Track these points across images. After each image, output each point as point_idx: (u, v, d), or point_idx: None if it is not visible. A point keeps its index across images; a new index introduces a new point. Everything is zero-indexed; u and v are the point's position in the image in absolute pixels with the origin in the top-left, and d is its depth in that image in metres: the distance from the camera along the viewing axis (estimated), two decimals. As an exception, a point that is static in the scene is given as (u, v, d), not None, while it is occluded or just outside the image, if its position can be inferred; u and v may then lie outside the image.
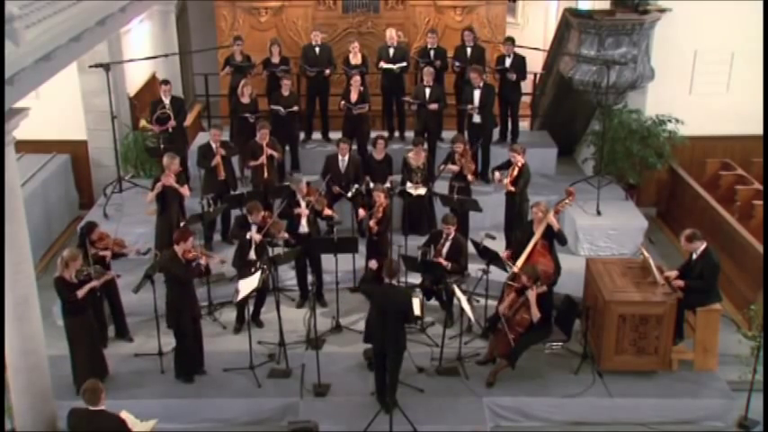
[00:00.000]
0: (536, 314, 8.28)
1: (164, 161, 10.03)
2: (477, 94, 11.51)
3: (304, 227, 9.87)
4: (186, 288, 8.46)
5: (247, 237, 9.30)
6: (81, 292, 8.05)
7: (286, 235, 9.65)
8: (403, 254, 9.60)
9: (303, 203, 9.83)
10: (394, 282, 8.13)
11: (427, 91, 11.71)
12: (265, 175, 10.78)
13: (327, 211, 10.06)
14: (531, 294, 8.29)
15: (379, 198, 9.87)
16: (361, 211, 10.21)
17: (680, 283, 8.57)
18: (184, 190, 10.16)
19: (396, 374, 8.03)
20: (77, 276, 8.09)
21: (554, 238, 9.26)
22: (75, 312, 8.16)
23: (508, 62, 12.05)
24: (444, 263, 9.35)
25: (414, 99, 11.82)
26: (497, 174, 10.51)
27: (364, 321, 8.35)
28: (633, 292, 8.58)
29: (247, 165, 11.12)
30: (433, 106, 11.67)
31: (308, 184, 10.09)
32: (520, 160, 10.24)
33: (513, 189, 10.27)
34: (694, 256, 8.61)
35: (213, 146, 10.71)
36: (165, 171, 9.98)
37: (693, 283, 8.52)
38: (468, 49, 12.26)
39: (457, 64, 12.24)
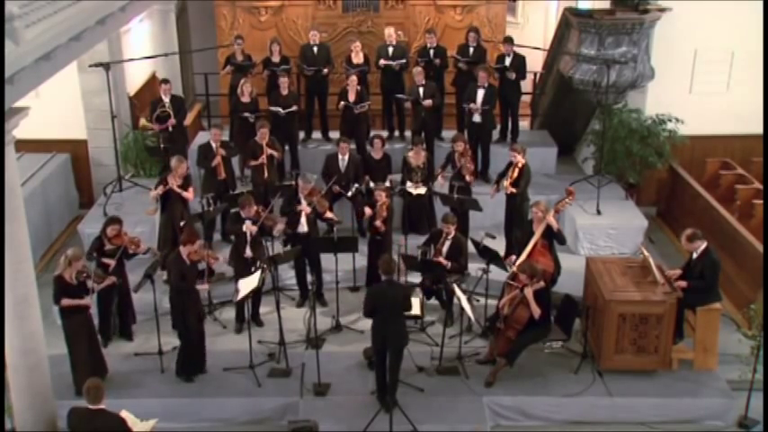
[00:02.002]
0: (536, 310, 8.28)
1: (171, 163, 9.97)
2: (480, 93, 11.51)
3: (303, 226, 9.85)
4: (191, 290, 8.44)
5: (243, 228, 9.26)
6: (66, 302, 8.06)
7: (282, 226, 9.63)
8: (403, 253, 9.60)
9: (304, 202, 9.81)
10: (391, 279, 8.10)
11: (421, 90, 11.70)
12: (265, 175, 10.78)
13: (329, 214, 10.01)
14: (528, 291, 8.28)
15: (381, 197, 9.85)
16: (368, 210, 10.13)
17: (682, 284, 8.57)
18: (188, 195, 10.07)
19: (396, 373, 8.03)
20: (77, 277, 8.09)
21: (553, 237, 9.26)
22: (74, 312, 8.15)
23: (508, 61, 12.06)
24: (444, 262, 9.35)
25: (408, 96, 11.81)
26: (497, 185, 10.51)
27: (363, 321, 8.33)
28: (633, 291, 8.57)
29: (247, 164, 11.12)
30: (428, 102, 11.65)
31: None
32: (520, 160, 10.23)
33: (513, 190, 10.28)
34: (695, 256, 8.61)
35: (213, 146, 10.71)
36: (171, 172, 9.95)
37: (695, 284, 8.52)
38: (471, 49, 12.27)
39: (462, 60, 12.21)
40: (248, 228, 9.24)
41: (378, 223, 9.83)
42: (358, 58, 12.30)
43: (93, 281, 8.18)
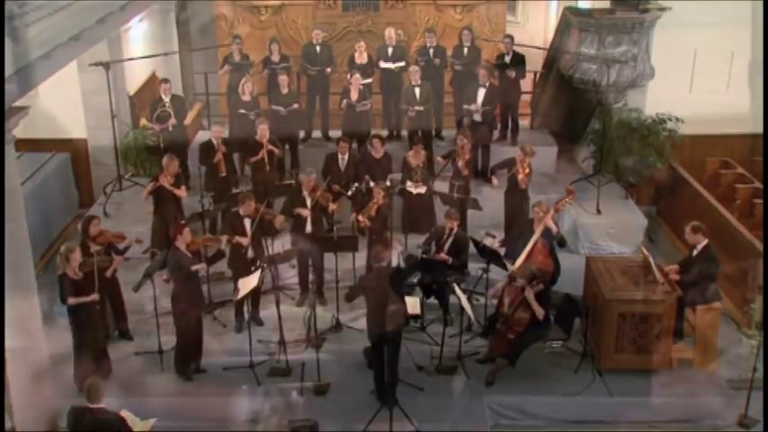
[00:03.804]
0: (539, 311, 8.27)
1: (163, 161, 10.03)
2: (481, 92, 11.50)
3: (308, 226, 9.81)
4: (192, 283, 8.47)
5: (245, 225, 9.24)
6: (73, 300, 8.02)
7: (282, 218, 9.59)
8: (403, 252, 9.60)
9: (309, 201, 9.77)
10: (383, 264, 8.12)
11: (417, 90, 11.68)
12: (267, 168, 10.75)
13: (333, 206, 9.95)
14: (529, 293, 8.28)
15: (378, 195, 9.84)
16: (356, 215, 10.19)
17: (675, 276, 8.58)
18: (180, 192, 10.10)
19: (395, 368, 8.00)
20: (81, 269, 8.08)
21: (553, 239, 9.25)
22: (81, 309, 8.14)
23: (507, 60, 12.07)
24: (445, 257, 9.33)
25: (405, 102, 11.75)
26: (495, 180, 10.61)
27: (364, 320, 8.33)
28: (633, 290, 8.57)
29: (248, 161, 11.10)
30: (418, 108, 11.61)
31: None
32: (526, 160, 10.27)
33: (524, 188, 10.39)
34: (695, 252, 8.61)
35: (215, 142, 10.71)
36: (163, 171, 9.97)
37: (687, 277, 8.52)
38: (465, 49, 12.26)
39: (456, 62, 12.22)
40: (245, 228, 9.22)
41: (359, 218, 9.79)
42: (362, 58, 12.29)
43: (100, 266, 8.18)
